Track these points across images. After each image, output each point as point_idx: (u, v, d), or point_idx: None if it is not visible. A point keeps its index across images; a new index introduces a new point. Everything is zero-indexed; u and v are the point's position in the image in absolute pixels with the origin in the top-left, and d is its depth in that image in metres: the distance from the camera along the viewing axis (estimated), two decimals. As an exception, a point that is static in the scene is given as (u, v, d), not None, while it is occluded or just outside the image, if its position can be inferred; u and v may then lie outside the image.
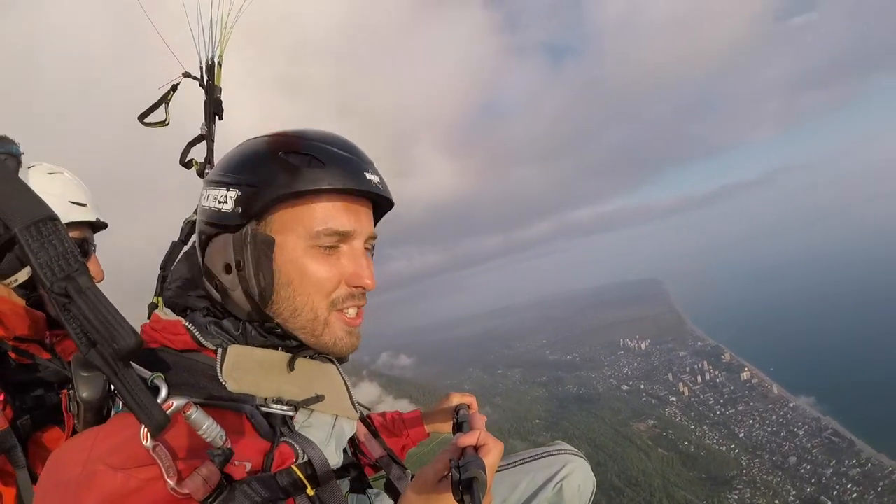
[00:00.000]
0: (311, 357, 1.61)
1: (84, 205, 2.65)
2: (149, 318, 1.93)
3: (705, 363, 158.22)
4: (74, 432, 1.78)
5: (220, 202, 1.45)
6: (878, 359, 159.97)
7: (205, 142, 2.54)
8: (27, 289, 2.49)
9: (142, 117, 2.49)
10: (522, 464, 2.43)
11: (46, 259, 0.95)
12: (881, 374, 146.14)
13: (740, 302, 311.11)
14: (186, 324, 1.47)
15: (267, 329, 1.52)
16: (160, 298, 1.67)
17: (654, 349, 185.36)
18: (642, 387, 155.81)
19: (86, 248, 2.67)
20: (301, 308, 1.47)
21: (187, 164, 2.46)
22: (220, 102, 2.56)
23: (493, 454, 1.35)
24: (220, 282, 1.50)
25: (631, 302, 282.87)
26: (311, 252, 1.46)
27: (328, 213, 1.45)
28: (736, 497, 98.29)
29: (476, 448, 1.37)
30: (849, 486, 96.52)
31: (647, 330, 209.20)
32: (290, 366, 1.53)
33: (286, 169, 1.42)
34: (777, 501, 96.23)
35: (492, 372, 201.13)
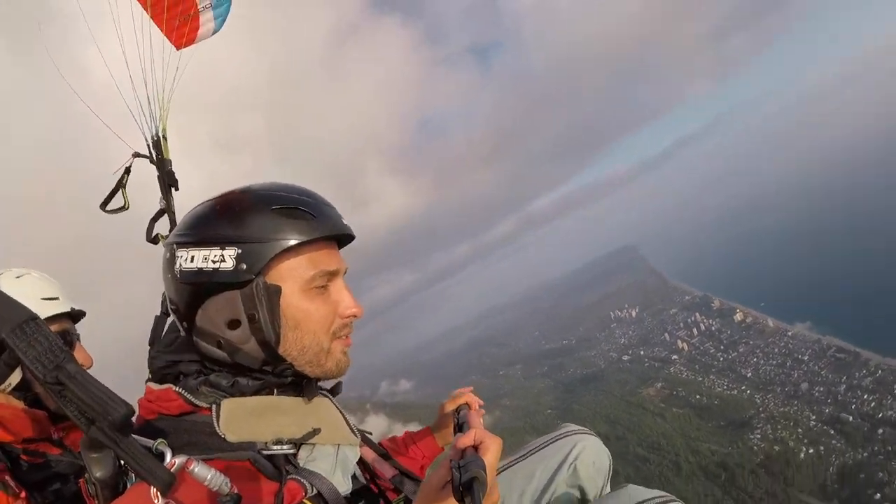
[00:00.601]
0: (301, 395, 1.72)
1: (56, 298, 2.73)
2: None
3: (697, 315, 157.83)
4: None
5: (214, 262, 1.52)
6: (861, 269, 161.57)
7: (166, 215, 2.70)
8: (22, 391, 2.57)
9: (103, 206, 2.67)
10: (534, 453, 2.50)
11: (35, 355, 1.01)
12: (869, 282, 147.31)
13: (716, 248, 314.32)
14: (177, 389, 1.57)
15: (278, 372, 1.63)
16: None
17: (644, 314, 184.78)
18: (642, 353, 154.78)
19: (69, 339, 2.77)
20: (309, 345, 1.61)
21: (154, 240, 2.62)
22: (173, 174, 2.72)
23: (491, 451, 1.38)
24: (224, 339, 1.57)
25: (611, 274, 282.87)
26: (309, 294, 1.59)
27: (319, 258, 1.60)
28: (759, 436, 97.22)
29: (476, 447, 1.41)
30: (865, 397, 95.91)
31: (634, 297, 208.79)
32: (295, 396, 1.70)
33: (285, 223, 1.54)
34: (799, 430, 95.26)
35: (493, 375, 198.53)
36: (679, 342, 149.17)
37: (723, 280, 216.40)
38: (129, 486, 1.36)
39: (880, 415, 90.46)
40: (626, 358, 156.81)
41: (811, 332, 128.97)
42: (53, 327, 2.58)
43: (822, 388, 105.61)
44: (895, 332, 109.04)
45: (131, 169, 2.67)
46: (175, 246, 1.59)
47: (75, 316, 2.83)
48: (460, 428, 1.84)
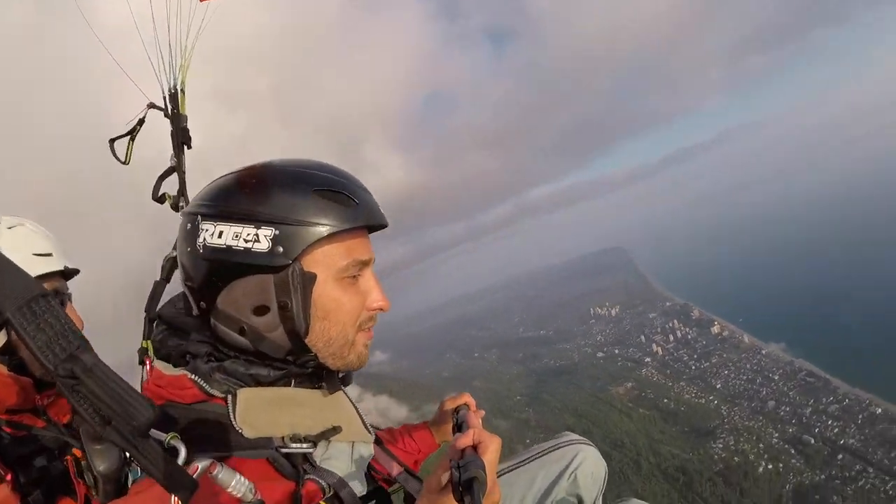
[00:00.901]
0: (317, 387, 1.64)
1: (49, 254, 2.53)
2: (140, 362, 2.08)
3: (675, 322, 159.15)
4: (87, 500, 2.01)
5: (246, 241, 1.41)
6: (841, 299, 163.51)
7: (175, 174, 2.52)
8: (5, 354, 2.37)
9: (112, 141, 2.49)
10: (536, 459, 2.53)
11: (45, 340, 0.89)
12: (846, 313, 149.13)
13: (704, 260, 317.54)
14: (192, 377, 1.47)
15: (301, 363, 1.54)
16: (150, 343, 1.66)
17: (624, 314, 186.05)
18: (617, 352, 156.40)
19: (61, 299, 2.54)
20: (335, 337, 1.52)
21: (160, 199, 2.45)
22: (188, 131, 2.53)
23: (490, 451, 1.37)
24: (249, 325, 1.47)
25: (597, 272, 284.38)
26: (342, 283, 1.51)
27: (354, 246, 1.52)
28: (721, 445, 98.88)
29: (475, 448, 1.39)
30: (829, 423, 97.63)
31: (616, 296, 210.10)
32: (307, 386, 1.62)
33: (327, 207, 1.44)
34: (761, 444, 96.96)
35: (468, 356, 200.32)
36: (654, 346, 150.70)
37: (705, 291, 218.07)
38: (131, 477, 1.28)
39: (842, 441, 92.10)
40: (600, 355, 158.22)
41: (785, 353, 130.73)
42: (46, 285, 2.30)
43: (788, 408, 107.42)
44: (867, 363, 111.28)
45: (145, 120, 2.49)
46: (200, 217, 1.46)
47: (68, 274, 2.63)
48: (459, 428, 1.80)
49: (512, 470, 2.52)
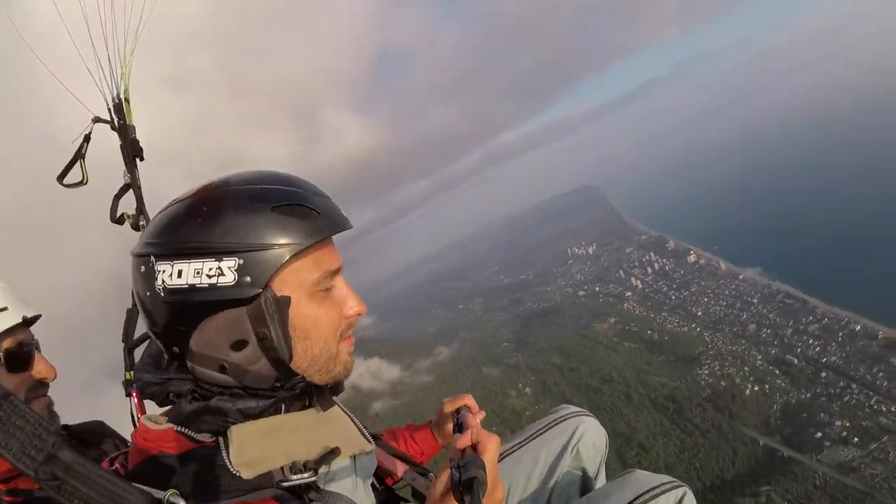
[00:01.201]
0: (308, 405, 1.58)
1: (5, 308, 2.24)
2: (126, 395, 2.06)
3: (652, 254, 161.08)
4: None
5: (210, 276, 1.31)
6: (813, 220, 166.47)
7: (131, 190, 2.37)
8: None
9: (60, 178, 2.31)
10: (537, 437, 2.53)
11: (19, 447, 0.84)
12: (820, 233, 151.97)
13: (675, 191, 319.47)
14: (178, 429, 1.40)
15: (289, 387, 1.48)
16: (132, 374, 1.61)
17: (601, 251, 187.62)
18: (597, 289, 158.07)
19: (27, 351, 2.29)
20: (319, 354, 1.46)
21: (119, 220, 2.31)
22: (138, 142, 2.36)
23: (489, 450, 1.36)
24: (229, 362, 1.39)
25: (571, 212, 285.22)
26: (316, 298, 1.44)
27: (322, 257, 1.44)
28: (707, 371, 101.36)
29: (475, 447, 1.39)
30: (810, 342, 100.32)
31: (592, 234, 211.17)
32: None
33: (288, 224, 1.36)
34: (746, 368, 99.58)
35: (453, 308, 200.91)
36: (633, 280, 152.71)
37: (679, 222, 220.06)
38: None
39: (824, 359, 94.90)
40: (581, 293, 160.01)
41: (761, 276, 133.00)
42: (6, 344, 2.21)
43: (769, 331, 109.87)
44: (842, 282, 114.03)
45: (90, 137, 2.28)
46: (154, 258, 1.34)
47: (30, 321, 2.33)
48: (459, 428, 1.79)
49: (515, 450, 2.51)
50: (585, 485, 2.45)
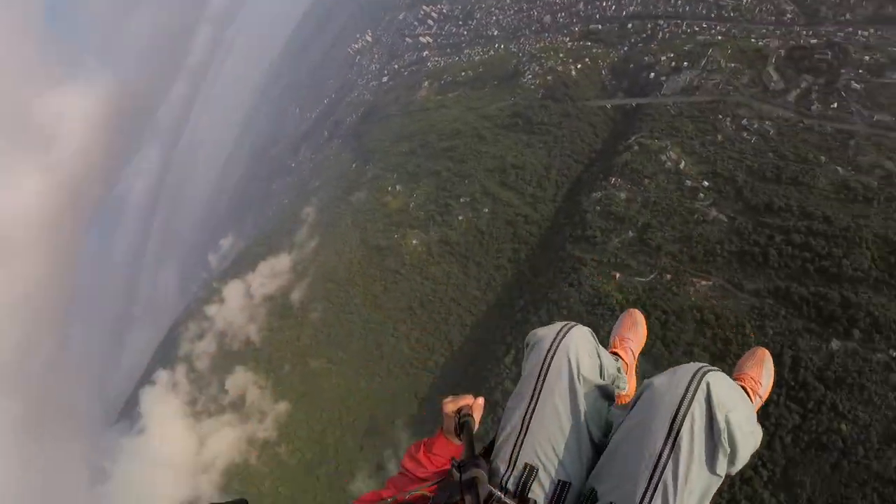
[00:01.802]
0: None
1: None
2: None
3: (424, 7, 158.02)
4: None
5: None
6: None
7: None
8: None
9: None
10: (542, 386, 2.52)
11: None
12: None
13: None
14: None
15: None
16: None
17: (379, 32, 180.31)
18: (397, 66, 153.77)
19: None
20: None
21: None
22: None
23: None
24: None
25: (327, 18, 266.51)
26: None
27: None
28: (530, 76, 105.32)
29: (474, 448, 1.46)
30: (605, 3, 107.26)
31: (360, 23, 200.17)
32: None
33: None
34: (561, 54, 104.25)
35: (288, 171, 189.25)
36: (422, 38, 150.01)
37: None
38: None
39: (623, 13, 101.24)
40: (385, 79, 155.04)
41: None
42: None
43: (563, 14, 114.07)
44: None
45: None
46: None
47: None
48: (461, 428, 1.91)
49: (535, 414, 2.46)
50: (605, 392, 2.56)
